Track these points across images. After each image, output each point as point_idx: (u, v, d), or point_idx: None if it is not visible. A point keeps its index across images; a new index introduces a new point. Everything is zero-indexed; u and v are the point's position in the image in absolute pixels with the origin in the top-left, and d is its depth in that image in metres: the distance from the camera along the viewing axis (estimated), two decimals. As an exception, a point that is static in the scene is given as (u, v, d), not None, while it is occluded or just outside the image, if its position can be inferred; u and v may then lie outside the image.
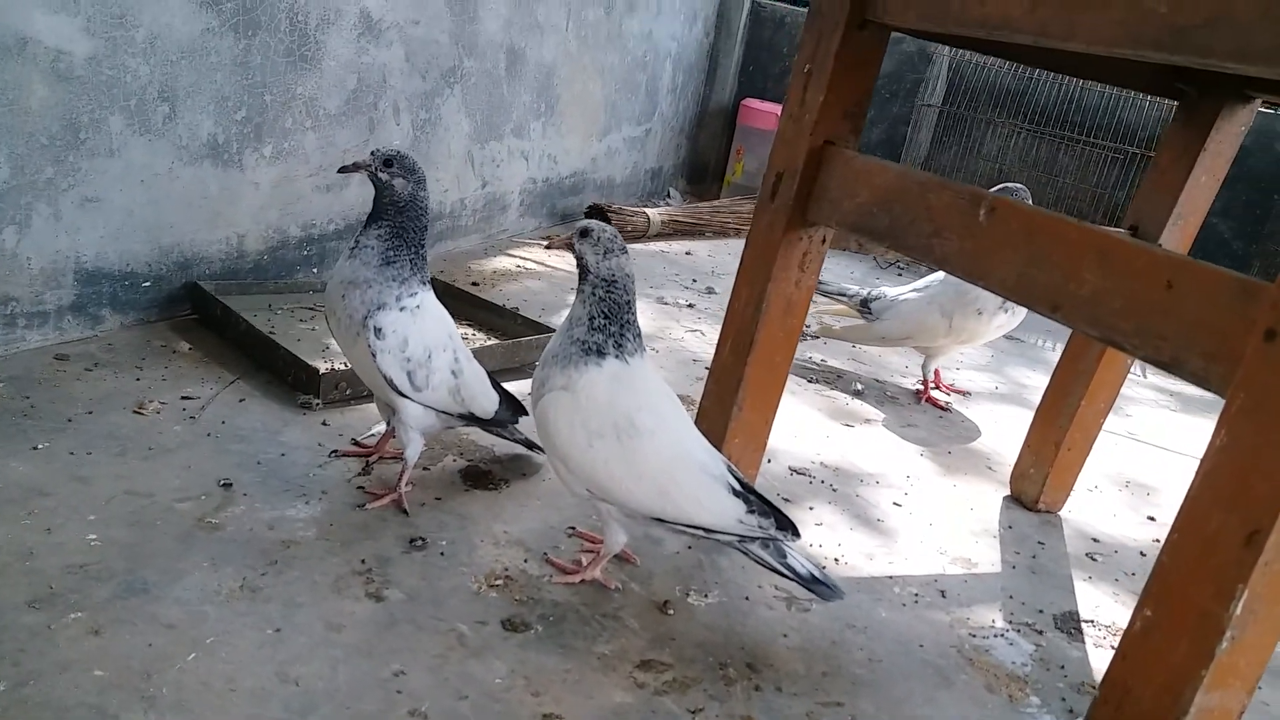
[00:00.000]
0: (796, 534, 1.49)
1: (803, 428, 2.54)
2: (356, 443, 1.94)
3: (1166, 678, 1.08)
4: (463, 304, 2.80)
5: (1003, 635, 1.73)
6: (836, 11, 1.68)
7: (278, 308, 2.56)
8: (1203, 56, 1.16)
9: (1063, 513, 2.30)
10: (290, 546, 1.57)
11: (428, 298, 1.74)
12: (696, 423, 1.94)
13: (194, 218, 2.38)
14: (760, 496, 1.50)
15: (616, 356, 1.52)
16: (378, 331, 1.65)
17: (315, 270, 2.83)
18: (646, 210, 4.39)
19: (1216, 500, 1.06)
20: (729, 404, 1.86)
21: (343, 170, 1.71)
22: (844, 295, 3.11)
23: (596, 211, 4.18)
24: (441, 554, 1.63)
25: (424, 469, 1.90)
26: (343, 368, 2.19)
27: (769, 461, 2.27)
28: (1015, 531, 2.17)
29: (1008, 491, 2.37)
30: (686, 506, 1.47)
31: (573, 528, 1.78)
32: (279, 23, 2.44)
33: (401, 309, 1.68)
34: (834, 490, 2.19)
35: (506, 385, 1.93)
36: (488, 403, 1.81)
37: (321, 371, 2.08)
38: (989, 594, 1.88)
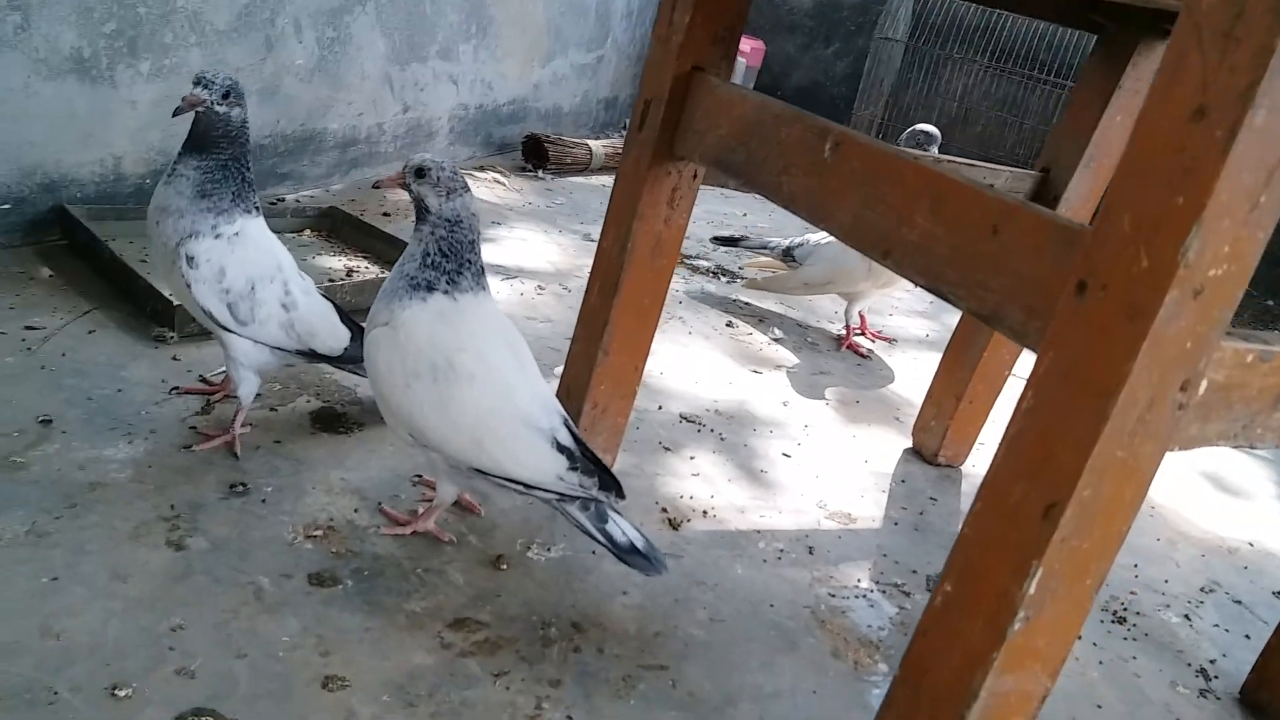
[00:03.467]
0: (620, 495, 1.39)
1: (707, 373, 2.43)
2: (204, 379, 1.83)
3: (962, 658, 0.99)
4: (361, 235, 2.67)
5: (865, 596, 1.65)
6: (706, -79, 1.53)
7: (158, 235, 2.43)
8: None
9: (965, 467, 2.22)
10: (96, 489, 1.47)
11: (251, 225, 1.60)
12: (566, 368, 1.84)
13: (60, 137, 2.24)
14: (589, 454, 1.40)
15: (446, 293, 1.41)
16: (190, 260, 1.53)
17: (208, 196, 2.69)
18: (589, 142, 4.22)
19: (1019, 469, 0.96)
20: (594, 348, 1.75)
21: (177, 112, 1.53)
22: (766, 249, 3.01)
23: (533, 141, 4.03)
24: (264, 501, 1.53)
25: (271, 409, 1.80)
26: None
27: (659, 408, 2.18)
28: (908, 486, 2.09)
29: (910, 444, 2.28)
30: (502, 458, 1.37)
31: (419, 476, 1.68)
32: (151, -74, 2.27)
33: (217, 236, 1.55)
34: (722, 439, 2.10)
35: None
36: (333, 339, 1.67)
37: (176, 301, 1.96)
38: (862, 551, 1.79)
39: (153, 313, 2.00)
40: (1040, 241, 1.00)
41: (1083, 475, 0.90)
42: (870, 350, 2.86)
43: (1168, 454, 0.97)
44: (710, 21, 1.58)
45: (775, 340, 2.79)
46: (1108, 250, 0.89)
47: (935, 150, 2.75)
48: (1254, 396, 1.00)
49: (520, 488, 1.39)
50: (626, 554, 1.37)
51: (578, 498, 1.37)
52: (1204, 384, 0.94)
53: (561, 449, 1.37)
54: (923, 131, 2.71)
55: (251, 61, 2.69)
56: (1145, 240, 0.86)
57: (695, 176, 1.69)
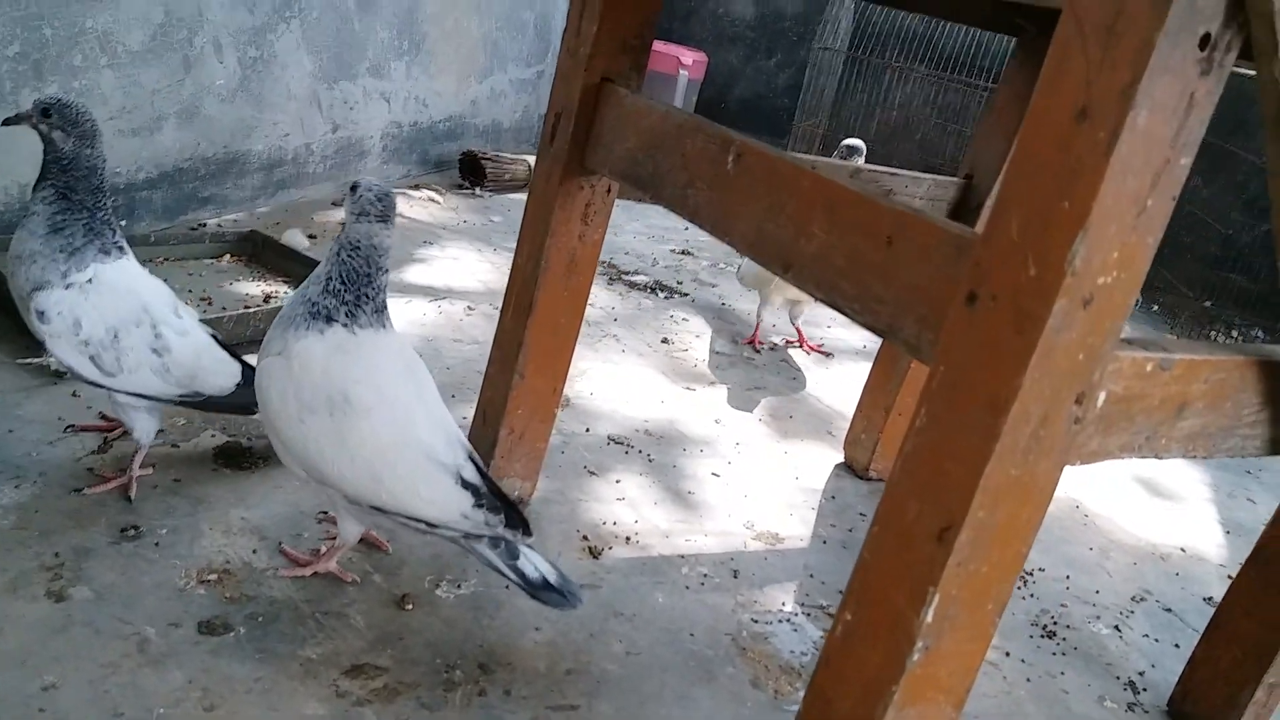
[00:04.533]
0: (528, 532, 1.32)
1: (639, 392, 2.38)
2: (103, 416, 1.74)
3: (863, 690, 0.94)
4: (283, 259, 2.59)
5: (789, 620, 1.61)
6: (607, -71, 1.49)
7: (66, 264, 2.33)
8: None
9: (899, 480, 2.18)
10: (-26, 538, 1.39)
11: (108, 268, 1.49)
12: (482, 392, 1.78)
13: (-46, 165, 2.15)
14: (496, 489, 1.34)
15: (345, 325, 1.34)
16: (41, 315, 1.43)
17: (124, 223, 2.60)
18: (527, 158, 4.16)
19: (912, 489, 0.92)
20: (510, 371, 1.69)
21: (7, 122, 1.48)
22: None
23: (469, 158, 3.96)
24: (156, 544, 1.45)
25: (173, 445, 1.71)
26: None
27: (586, 430, 2.12)
28: (837, 502, 2.05)
29: (842, 458, 2.24)
30: (403, 495, 1.30)
31: (324, 513, 1.61)
32: (50, -54, 2.19)
33: (68, 286, 1.44)
34: (650, 460, 2.04)
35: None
36: (220, 377, 1.57)
37: (75, 335, 1.87)
38: (788, 573, 1.75)
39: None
40: (932, 250, 0.96)
41: (976, 495, 0.86)
42: (761, 347, 2.85)
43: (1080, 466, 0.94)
44: (618, 30, 1.54)
45: (715, 353, 2.75)
46: (996, 258, 0.86)
47: (859, 160, 2.73)
48: (1155, 407, 0.97)
49: (423, 526, 1.32)
50: (539, 590, 1.30)
51: (485, 536, 1.31)
52: (1101, 396, 0.91)
53: (466, 485, 1.31)
54: (846, 146, 2.70)
55: (169, 83, 2.61)
56: (1032, 247, 0.83)
57: (609, 191, 1.65)
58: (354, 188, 1.36)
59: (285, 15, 2.97)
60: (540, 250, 1.64)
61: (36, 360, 1.86)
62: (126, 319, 1.48)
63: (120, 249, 1.53)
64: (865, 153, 2.72)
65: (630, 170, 1.48)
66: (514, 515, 1.33)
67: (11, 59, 2.19)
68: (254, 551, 1.48)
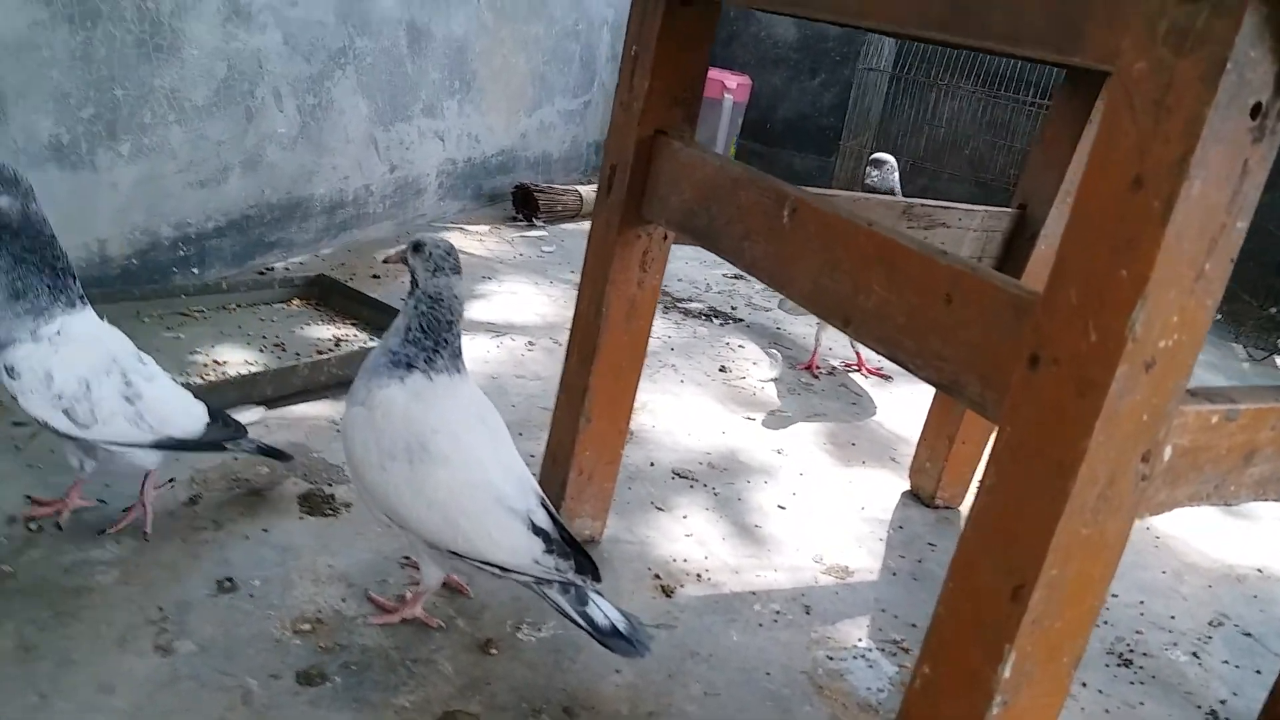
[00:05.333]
0: (597, 578, 1.37)
1: (700, 423, 2.42)
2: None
3: (943, 743, 0.97)
4: (350, 302, 2.68)
5: (864, 656, 1.63)
6: (658, -12, 1.54)
7: (146, 315, 2.44)
8: (980, 37, 1.03)
9: (964, 508, 2.19)
10: (83, 594, 1.46)
11: (74, 319, 1.50)
12: (550, 435, 1.83)
13: (42, 228, 2.25)
14: (567, 535, 1.39)
15: (424, 372, 1.41)
16: (10, 371, 1.45)
17: (195, 271, 2.71)
18: (579, 188, 4.24)
19: (985, 548, 0.94)
20: (576, 415, 1.74)
21: None
22: None
23: (522, 191, 4.04)
24: (251, 596, 1.52)
25: (257, 493, 1.79)
26: (190, 384, 2.07)
27: (651, 464, 2.16)
28: (905, 532, 2.06)
29: (908, 485, 2.25)
30: (477, 541, 1.36)
31: (406, 557, 1.67)
32: (123, 11, 2.29)
33: (37, 341, 1.45)
34: (715, 495, 2.08)
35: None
36: (189, 419, 1.59)
37: (162, 391, 1.96)
38: (860, 607, 1.77)
39: (139, 401, 2.00)
40: (992, 311, 0.99)
41: (1048, 555, 0.88)
42: (819, 372, 2.87)
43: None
44: (669, 85, 1.58)
45: (770, 381, 2.78)
46: (1056, 323, 0.88)
47: (893, 176, 2.76)
48: (1223, 456, 0.98)
49: (497, 570, 1.38)
50: (608, 637, 1.35)
51: (555, 581, 1.36)
52: (1168, 451, 0.92)
53: (537, 531, 1.36)
54: (874, 159, 2.74)
55: (233, 134, 2.71)
56: (1093, 313, 0.85)
57: (666, 238, 1.69)
58: (418, 246, 1.44)
59: (341, 62, 3.06)
60: (601, 297, 1.69)
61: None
62: (97, 368, 1.50)
63: (82, 299, 1.54)
64: (895, 166, 2.76)
65: (686, 221, 1.52)
66: (584, 561, 1.37)
67: (87, 121, 2.30)
68: (343, 600, 1.55)
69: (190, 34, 2.48)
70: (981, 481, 0.95)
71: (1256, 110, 0.80)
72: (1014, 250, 1.99)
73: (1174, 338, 0.85)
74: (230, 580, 1.55)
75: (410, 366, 1.41)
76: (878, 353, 1.15)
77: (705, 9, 1.55)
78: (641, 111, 1.58)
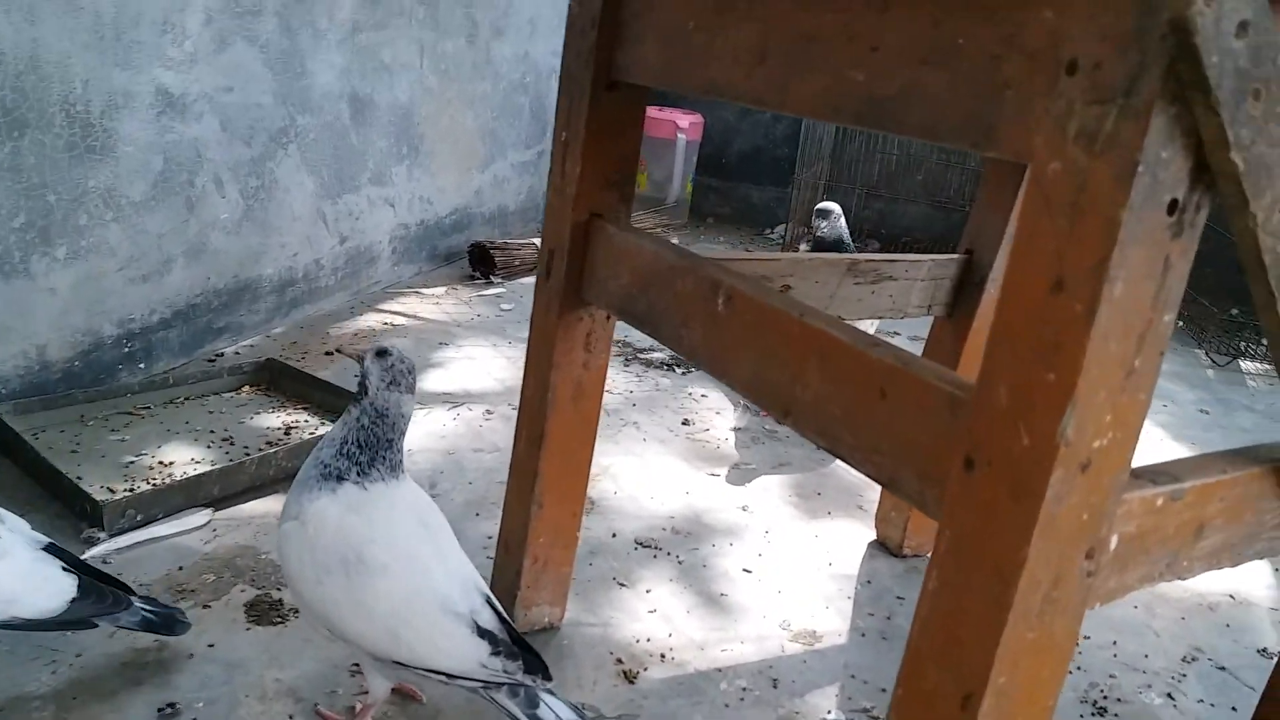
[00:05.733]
0: (547, 677, 1.33)
1: (662, 484, 2.39)
2: None
3: None
4: (301, 385, 2.62)
5: (835, 730, 1.59)
6: (583, 73, 1.52)
7: (91, 418, 2.38)
8: (899, 129, 1.01)
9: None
10: (17, 736, 1.41)
11: None
12: (503, 521, 1.79)
13: (-25, 337, 2.20)
14: (514, 634, 1.34)
15: (356, 483, 1.37)
16: None
17: (142, 366, 2.65)
18: (535, 241, 4.20)
19: (932, 654, 0.91)
20: (528, 501, 1.70)
21: None
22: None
23: (478, 249, 4.01)
24: (195, 720, 1.47)
25: (205, 606, 1.73)
26: (134, 489, 2.02)
27: (613, 536, 2.12)
28: (873, 587, 2.03)
29: (874, 535, 2.22)
30: (420, 649, 1.31)
31: (356, 664, 1.61)
32: (52, 118, 2.25)
33: None
34: (679, 563, 2.04)
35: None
36: (43, 599, 1.39)
37: (104, 500, 1.90)
38: (828, 675, 1.73)
39: (80, 512, 1.95)
40: (926, 407, 0.96)
41: (995, 664, 0.85)
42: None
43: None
44: (601, 169, 1.56)
45: (734, 431, 2.75)
46: (989, 425, 0.86)
47: (839, 224, 2.77)
48: (1171, 536, 0.96)
49: (444, 678, 1.33)
50: (562, 741, 1.30)
51: (504, 684, 1.31)
52: (1114, 541, 0.90)
53: (483, 634, 1.31)
54: (818, 210, 2.75)
55: (174, 225, 2.67)
56: (1023, 416, 0.83)
57: (609, 318, 1.66)
58: (382, 353, 1.40)
59: (282, 142, 3.03)
60: (546, 381, 1.66)
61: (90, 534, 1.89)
62: None
63: None
64: (840, 214, 2.77)
65: (626, 306, 1.49)
66: (533, 660, 1.33)
67: (19, 229, 2.24)
68: (290, 717, 1.49)
69: (123, 132, 2.44)
70: (924, 585, 0.92)
71: (1173, 207, 0.78)
72: (963, 296, 1.98)
73: (1109, 436, 0.82)
74: (172, 706, 1.49)
75: (340, 479, 1.37)
76: (818, 446, 1.12)
77: (631, 92, 1.53)
78: (575, 196, 1.56)
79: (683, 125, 5.27)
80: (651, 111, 5.37)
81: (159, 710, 1.48)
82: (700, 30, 1.30)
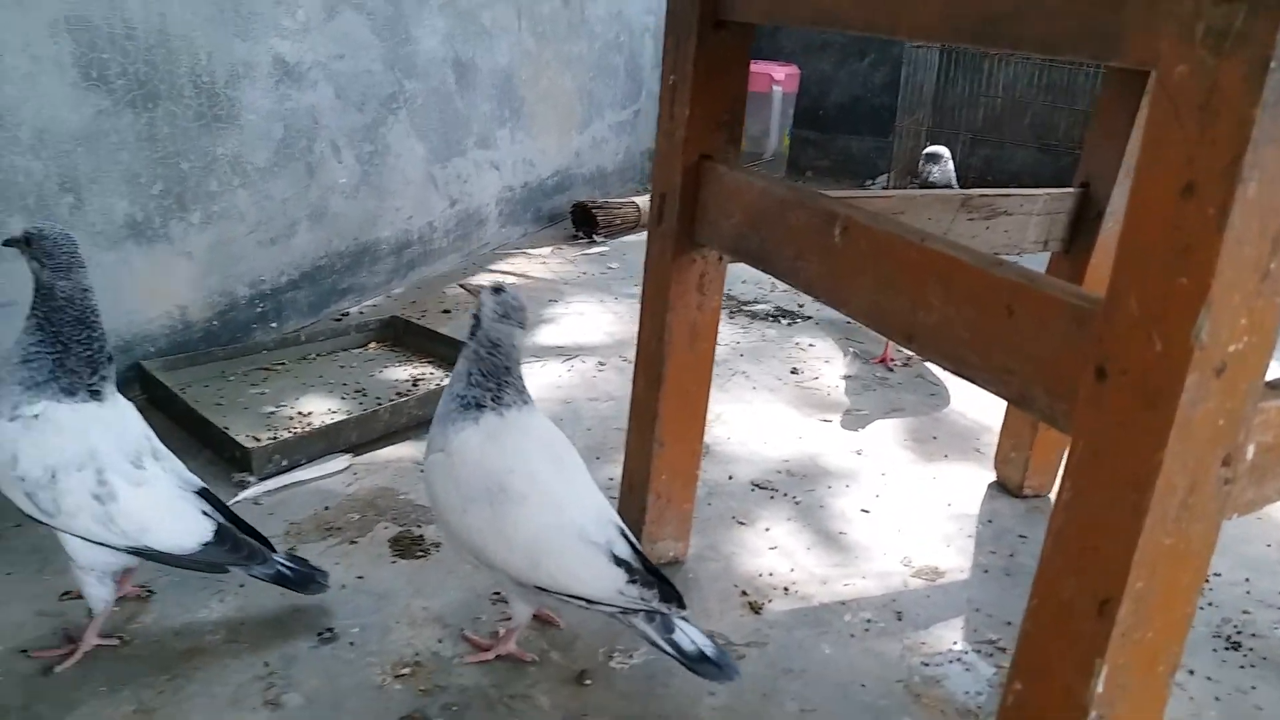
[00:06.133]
0: (681, 605, 1.39)
1: (775, 430, 2.42)
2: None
3: (1042, 761, 0.96)
4: (424, 340, 2.74)
5: (960, 659, 1.61)
6: (689, 13, 1.54)
7: (231, 374, 2.53)
8: (1016, 45, 1.02)
9: (1054, 494, 2.15)
10: (194, 656, 1.53)
11: (61, 408, 1.43)
12: (625, 461, 1.85)
13: (125, 300, 2.36)
14: (648, 563, 1.41)
15: (494, 409, 1.45)
16: None
17: (274, 325, 2.80)
18: (635, 200, 4.26)
19: (1067, 563, 0.93)
20: (649, 441, 1.76)
21: (5, 243, 1.49)
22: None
23: (580, 209, 4.08)
24: (351, 644, 1.57)
25: (351, 542, 1.85)
26: (278, 437, 2.15)
27: (729, 478, 2.17)
28: (995, 526, 2.03)
29: (994, 477, 2.22)
30: (560, 576, 1.39)
31: (497, 593, 1.71)
32: (181, 89, 2.39)
33: (13, 419, 1.41)
34: (796, 504, 2.08)
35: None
36: (179, 535, 1.48)
37: (252, 447, 2.04)
38: (952, 608, 1.75)
39: (230, 459, 2.09)
40: (1053, 322, 0.98)
41: (1132, 569, 0.87)
42: (893, 364, 2.83)
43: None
44: (710, 110, 1.59)
45: (844, 379, 2.76)
46: (1120, 333, 0.87)
47: (949, 167, 2.72)
48: (1312, 447, 0.95)
49: (583, 603, 1.41)
50: (696, 663, 1.36)
51: (640, 610, 1.38)
52: (1250, 450, 0.90)
53: (619, 562, 1.38)
54: (926, 154, 2.72)
55: (296, 190, 2.80)
56: (1155, 323, 0.84)
57: (721, 259, 1.70)
58: (498, 289, 1.46)
59: (392, 108, 3.13)
60: (662, 324, 1.70)
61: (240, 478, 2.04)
62: (68, 462, 1.42)
63: (92, 392, 1.47)
64: (949, 157, 2.73)
65: (739, 244, 1.53)
66: (667, 588, 1.39)
67: (158, 195, 2.39)
68: (439, 641, 1.59)
69: (245, 100, 2.57)
70: (1058, 495, 0.94)
71: (1308, 103, 0.77)
72: (1080, 231, 1.95)
73: (1244, 340, 0.83)
74: (331, 630, 1.60)
75: (480, 407, 1.45)
76: (944, 368, 1.14)
77: (739, 31, 1.55)
78: (684, 139, 1.59)
79: (778, 78, 5.22)
80: (747, 64, 5.33)
81: (318, 634, 1.59)
82: (811, -37, 1.32)
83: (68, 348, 1.44)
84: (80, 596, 1.55)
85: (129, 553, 1.48)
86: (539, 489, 1.43)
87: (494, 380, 1.45)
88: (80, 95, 2.15)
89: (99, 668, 1.50)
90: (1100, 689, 0.90)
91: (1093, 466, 0.90)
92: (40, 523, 1.45)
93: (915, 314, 1.15)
